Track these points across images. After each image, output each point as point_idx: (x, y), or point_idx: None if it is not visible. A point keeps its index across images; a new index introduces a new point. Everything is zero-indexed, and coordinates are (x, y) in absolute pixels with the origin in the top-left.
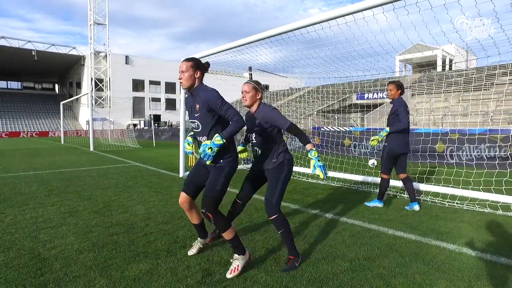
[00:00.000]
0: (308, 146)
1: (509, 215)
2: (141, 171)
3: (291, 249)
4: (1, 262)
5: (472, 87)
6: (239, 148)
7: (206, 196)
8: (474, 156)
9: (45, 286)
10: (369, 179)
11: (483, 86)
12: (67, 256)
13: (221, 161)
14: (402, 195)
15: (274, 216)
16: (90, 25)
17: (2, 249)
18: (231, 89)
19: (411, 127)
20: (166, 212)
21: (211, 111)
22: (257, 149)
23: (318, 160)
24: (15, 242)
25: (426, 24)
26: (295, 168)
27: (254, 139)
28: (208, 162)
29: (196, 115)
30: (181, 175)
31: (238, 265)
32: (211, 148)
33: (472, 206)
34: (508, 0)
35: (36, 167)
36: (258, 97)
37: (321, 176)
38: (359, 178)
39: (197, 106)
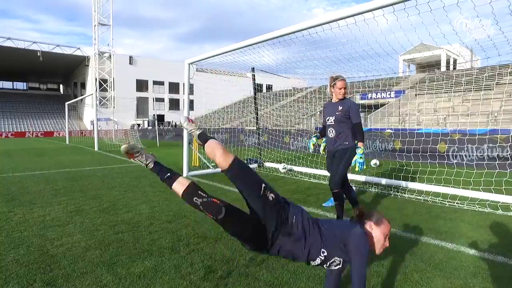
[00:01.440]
0: (360, 144)
1: (509, 214)
2: (145, 171)
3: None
4: (12, 258)
5: (473, 87)
6: (314, 139)
7: None
8: (476, 156)
9: (55, 281)
10: (371, 178)
11: (483, 86)
12: (75, 253)
13: None
14: (404, 194)
15: (335, 191)
16: (94, 25)
17: (12, 246)
18: (233, 90)
19: (415, 127)
20: (169, 211)
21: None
22: (332, 130)
23: (360, 158)
24: (24, 240)
25: (426, 26)
26: (297, 168)
27: (333, 121)
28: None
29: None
30: (184, 174)
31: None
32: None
33: (472, 206)
34: (508, 2)
35: (42, 167)
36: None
37: (356, 169)
38: (361, 178)
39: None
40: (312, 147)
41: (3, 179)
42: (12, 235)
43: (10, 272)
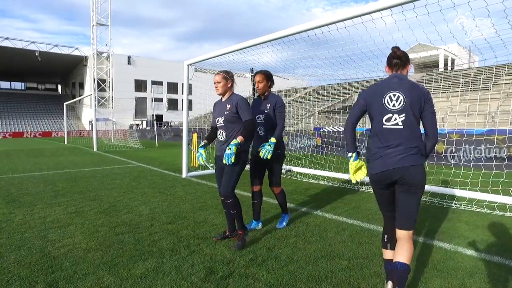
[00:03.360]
0: (239, 138)
1: (506, 215)
2: (144, 172)
3: (241, 226)
4: (14, 260)
5: (471, 87)
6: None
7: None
8: (474, 157)
9: (57, 283)
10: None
11: (480, 87)
12: (76, 254)
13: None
14: None
15: (229, 201)
16: (93, 25)
17: (13, 247)
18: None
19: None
20: (170, 212)
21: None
22: (222, 133)
23: (229, 149)
24: (25, 241)
25: (423, 29)
26: (296, 169)
27: (222, 122)
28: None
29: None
30: (183, 175)
31: None
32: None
33: (470, 207)
34: (508, 3)
35: (41, 168)
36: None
37: (224, 162)
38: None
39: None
40: (202, 161)
41: (2, 180)
42: (13, 237)
43: (12, 273)
